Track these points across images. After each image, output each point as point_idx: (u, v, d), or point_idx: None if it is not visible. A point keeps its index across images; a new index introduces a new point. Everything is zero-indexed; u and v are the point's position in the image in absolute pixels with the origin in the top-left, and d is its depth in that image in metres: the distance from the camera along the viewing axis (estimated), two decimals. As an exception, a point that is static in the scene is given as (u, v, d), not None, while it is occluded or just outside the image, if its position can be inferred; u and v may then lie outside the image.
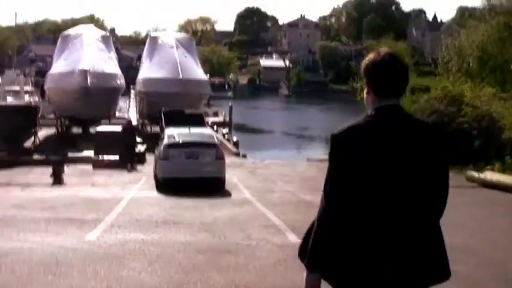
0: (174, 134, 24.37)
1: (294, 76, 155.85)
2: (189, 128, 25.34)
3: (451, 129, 31.28)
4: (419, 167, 4.08)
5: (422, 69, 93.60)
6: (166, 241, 12.55)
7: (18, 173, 29.43)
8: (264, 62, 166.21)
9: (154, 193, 22.14)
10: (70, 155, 36.26)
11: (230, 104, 60.17)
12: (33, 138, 41.60)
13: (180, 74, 45.84)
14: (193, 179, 22.90)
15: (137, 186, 24.24)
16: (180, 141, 23.76)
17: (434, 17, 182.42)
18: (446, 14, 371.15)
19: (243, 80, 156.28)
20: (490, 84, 35.96)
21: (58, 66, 49.06)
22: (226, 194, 22.34)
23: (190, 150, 23.33)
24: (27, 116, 40.16)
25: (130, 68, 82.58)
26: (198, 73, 51.26)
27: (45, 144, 42.07)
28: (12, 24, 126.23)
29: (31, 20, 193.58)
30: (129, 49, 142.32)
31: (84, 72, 43.09)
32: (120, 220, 15.22)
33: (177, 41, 53.37)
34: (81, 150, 37.56)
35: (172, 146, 23.53)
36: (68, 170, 28.60)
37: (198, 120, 36.91)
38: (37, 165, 30.77)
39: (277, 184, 26.19)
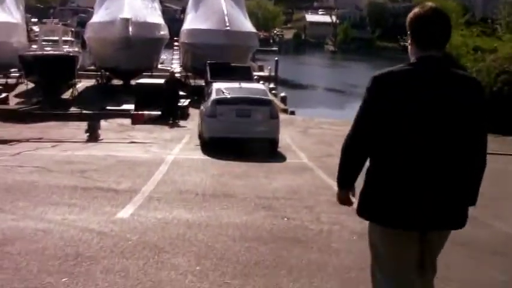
0: (223, 88, 21.72)
1: (340, 32, 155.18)
2: (240, 83, 22.73)
3: None
4: (452, 120, 4.36)
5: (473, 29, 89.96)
6: (218, 223, 9.96)
7: (53, 127, 27.23)
8: (310, 17, 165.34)
9: (199, 154, 19.59)
10: (109, 108, 33.89)
11: (276, 58, 57.96)
12: (71, 90, 39.48)
13: (227, 25, 43.23)
14: (244, 139, 20.38)
15: (180, 146, 21.70)
16: (230, 97, 21.11)
17: None
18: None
19: (288, 35, 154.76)
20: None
21: (99, 16, 46.69)
22: (280, 157, 19.82)
23: (241, 107, 20.66)
24: (64, 67, 37.96)
25: (174, 21, 79.91)
26: (246, 25, 48.63)
27: (83, 96, 39.91)
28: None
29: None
30: (173, 2, 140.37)
31: (126, 21, 40.77)
32: (160, 191, 12.66)
33: (224, -10, 50.54)
34: (121, 104, 35.22)
35: (221, 101, 20.89)
36: (106, 124, 26.37)
37: (245, 74, 34.79)
38: (72, 119, 28.36)
39: (335, 147, 23.45)
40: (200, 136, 21.84)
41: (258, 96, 21.38)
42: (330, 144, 23.75)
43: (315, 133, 28.29)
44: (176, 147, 21.06)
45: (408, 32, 4.60)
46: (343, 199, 4.80)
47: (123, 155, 18.21)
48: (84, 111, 31.82)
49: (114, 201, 11.38)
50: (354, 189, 4.77)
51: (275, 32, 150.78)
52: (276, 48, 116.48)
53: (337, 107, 53.98)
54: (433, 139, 4.34)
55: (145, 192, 12.36)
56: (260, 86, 24.30)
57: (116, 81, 46.52)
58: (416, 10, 4.55)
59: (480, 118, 4.48)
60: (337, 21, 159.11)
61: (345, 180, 4.72)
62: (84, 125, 23.83)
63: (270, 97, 21.90)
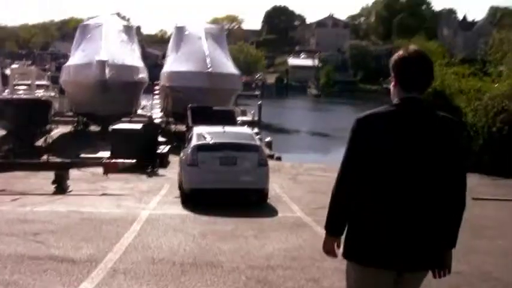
0: (205, 133, 19.26)
1: (323, 75, 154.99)
2: (223, 127, 20.43)
3: None
4: (433, 157, 4.49)
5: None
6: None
7: (20, 177, 24.70)
8: (292, 61, 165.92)
9: (178, 209, 17.09)
10: (83, 155, 31.48)
11: (259, 102, 56.12)
12: (45, 137, 37.25)
13: (209, 66, 41.21)
14: (230, 190, 18.03)
15: (157, 199, 19.17)
16: (213, 143, 18.62)
17: (464, 17, 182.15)
18: (476, 14, 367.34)
19: (271, 79, 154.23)
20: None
21: (75, 58, 44.99)
22: (271, 210, 17.41)
23: (226, 153, 18.18)
24: (37, 112, 35.79)
25: (155, 66, 78.23)
26: (229, 67, 46.87)
27: (58, 143, 37.59)
28: (38, 21, 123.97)
29: (57, 18, 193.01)
30: (155, 48, 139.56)
31: (102, 64, 38.90)
32: (127, 260, 10.20)
33: (206, 31, 48.63)
34: (97, 151, 32.87)
35: (203, 148, 18.39)
36: (79, 174, 24.01)
37: (229, 118, 32.73)
38: (38, 168, 25.91)
39: (329, 196, 21.22)
40: (180, 187, 19.43)
41: (244, 142, 18.96)
42: (324, 193, 21.26)
43: (306, 180, 26.02)
44: (153, 201, 18.61)
45: (392, 74, 4.73)
46: (329, 248, 4.81)
47: (89, 211, 15.75)
48: (52, 160, 29.40)
49: (66, 277, 8.94)
50: (340, 240, 4.77)
51: (257, 76, 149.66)
52: (259, 93, 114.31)
53: (324, 151, 52.32)
54: (412, 178, 4.46)
55: (108, 263, 9.92)
56: (246, 130, 21.90)
57: (95, 127, 44.09)
58: (400, 52, 4.71)
59: (459, 159, 4.59)
60: (320, 64, 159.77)
61: (334, 225, 4.76)
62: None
63: (258, 142, 19.47)
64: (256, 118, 54.06)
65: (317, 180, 25.84)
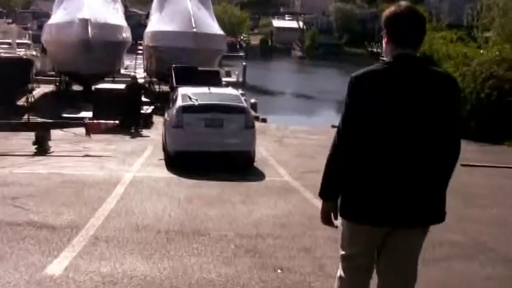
0: (190, 93, 18.67)
1: (307, 38, 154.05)
2: (209, 88, 19.86)
3: None
4: (429, 114, 4.47)
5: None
6: (187, 281, 7.18)
7: (0, 137, 24.06)
8: (277, 22, 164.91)
9: (163, 172, 16.59)
10: (65, 115, 30.83)
11: (244, 63, 55.48)
12: (27, 96, 36.43)
13: (194, 26, 40.46)
14: (215, 153, 17.57)
15: (141, 160, 18.64)
16: (199, 104, 18.02)
17: None
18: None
19: (255, 41, 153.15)
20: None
21: (57, 17, 43.78)
22: (258, 174, 16.97)
23: (212, 115, 17.62)
24: (18, 71, 35.02)
25: (138, 26, 77.09)
26: (214, 27, 46.04)
27: (40, 103, 36.84)
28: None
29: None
30: (138, 8, 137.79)
31: (85, 22, 37.92)
32: (110, 227, 9.70)
33: (190, -10, 47.71)
34: (80, 111, 32.24)
35: (188, 109, 17.80)
36: (61, 134, 23.45)
37: (214, 79, 32.16)
38: (19, 129, 25.25)
39: (317, 160, 20.72)
40: (164, 149, 18.91)
41: (231, 103, 18.37)
42: (312, 157, 21.10)
43: (292, 143, 25.56)
44: (136, 162, 18.07)
45: (384, 31, 4.68)
46: (327, 215, 4.72)
47: (71, 173, 15.22)
48: (33, 120, 28.75)
49: (46, 245, 8.45)
50: (336, 209, 4.70)
51: (242, 37, 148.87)
52: (243, 54, 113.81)
53: (309, 114, 52.21)
54: (407, 135, 4.44)
55: (90, 229, 9.42)
56: (233, 91, 21.19)
57: (77, 87, 43.32)
58: (392, 9, 4.63)
59: (454, 114, 4.57)
60: (304, 26, 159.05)
61: (330, 189, 4.68)
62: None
63: (244, 104, 18.88)
64: (240, 79, 53.57)
65: (303, 143, 25.48)
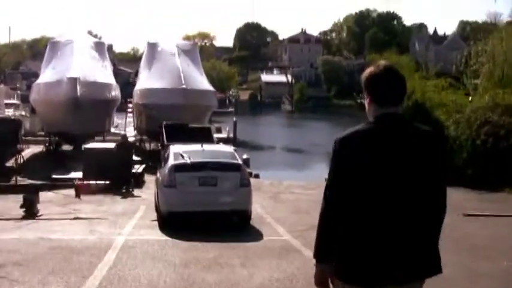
0: (182, 151, 18.04)
1: (296, 91, 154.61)
2: (202, 145, 19.30)
3: (510, 143, 27.06)
4: (414, 170, 4.47)
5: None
6: None
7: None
8: (265, 77, 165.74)
9: (156, 234, 15.92)
10: (55, 176, 30.12)
11: (234, 119, 55.12)
12: (15, 157, 35.71)
13: (183, 83, 40.06)
14: (210, 213, 16.93)
15: (133, 222, 17.95)
16: (191, 162, 17.36)
17: (435, 31, 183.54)
18: (446, 28, 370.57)
19: (244, 96, 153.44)
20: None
21: (45, 76, 43.15)
22: (255, 233, 16.30)
23: (206, 173, 16.98)
24: (7, 132, 34.40)
25: (127, 84, 76.87)
26: (203, 83, 45.65)
27: (30, 164, 36.11)
28: (9, 41, 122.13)
29: (28, 37, 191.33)
30: (127, 66, 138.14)
31: (74, 81, 37.36)
32: None
33: (178, 48, 47.43)
34: (70, 171, 31.54)
35: (181, 168, 17.13)
36: (52, 195, 22.79)
37: (205, 136, 31.56)
38: (7, 191, 24.51)
39: (315, 216, 20.04)
40: (157, 210, 18.25)
41: (225, 160, 17.72)
42: (308, 213, 20.45)
43: (288, 199, 24.93)
44: (128, 225, 17.39)
45: (365, 92, 4.72)
46: (322, 278, 4.60)
47: (60, 238, 14.53)
48: (21, 182, 28.07)
49: (32, 322, 7.82)
50: (332, 271, 4.55)
51: (231, 93, 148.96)
52: (232, 110, 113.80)
53: (301, 168, 51.64)
54: (394, 194, 4.43)
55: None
56: (226, 147, 20.51)
57: (67, 147, 42.65)
58: (370, 69, 4.70)
59: (438, 169, 4.59)
60: (293, 80, 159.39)
61: (324, 250, 4.59)
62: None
63: (239, 160, 18.23)
64: (231, 135, 52.99)
65: (299, 199, 24.87)
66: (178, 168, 17.05)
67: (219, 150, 19.54)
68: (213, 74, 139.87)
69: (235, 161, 17.82)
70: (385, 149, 4.47)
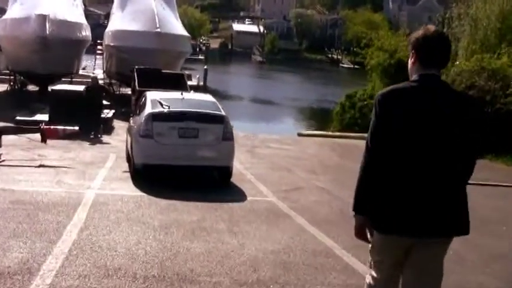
0: (161, 99, 16.46)
1: (267, 42, 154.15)
2: (181, 92, 17.79)
3: (495, 109, 26.36)
4: (452, 132, 4.69)
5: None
6: None
7: None
8: (237, 26, 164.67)
9: (130, 188, 14.40)
10: (19, 118, 28.40)
11: (205, 67, 53.57)
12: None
13: (158, 26, 38.40)
14: (189, 167, 15.55)
15: (103, 173, 16.40)
16: (171, 111, 15.82)
17: None
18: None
19: (215, 44, 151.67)
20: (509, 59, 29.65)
21: (13, 11, 41.16)
22: (237, 192, 14.91)
23: (186, 124, 15.44)
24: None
25: (97, 26, 74.78)
26: (178, 27, 44.03)
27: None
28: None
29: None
30: (97, 8, 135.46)
31: (43, 18, 35.83)
32: (72, 272, 7.57)
33: (154, -11, 45.59)
34: (35, 113, 29.91)
35: (159, 117, 15.55)
36: (14, 139, 21.33)
37: (179, 83, 30.36)
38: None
39: (297, 174, 18.95)
40: (130, 160, 16.80)
41: (208, 111, 16.11)
42: (289, 170, 19.32)
43: (265, 154, 23.57)
44: (98, 175, 15.86)
45: (411, 51, 4.93)
46: (361, 230, 4.85)
47: (23, 190, 13.00)
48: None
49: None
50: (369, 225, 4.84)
51: (201, 40, 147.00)
52: (203, 57, 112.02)
53: (273, 121, 50.97)
54: (432, 150, 4.63)
55: (47, 276, 7.31)
56: (208, 97, 18.88)
57: (33, 87, 40.92)
58: (422, 32, 4.88)
59: (476, 133, 4.79)
60: (265, 31, 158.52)
61: (364, 202, 4.78)
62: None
63: (223, 112, 16.67)
64: (201, 83, 51.53)
65: (276, 154, 23.66)
66: (156, 117, 15.49)
67: (200, 100, 17.94)
68: (185, 20, 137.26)
69: (218, 112, 16.29)
70: (426, 106, 4.66)
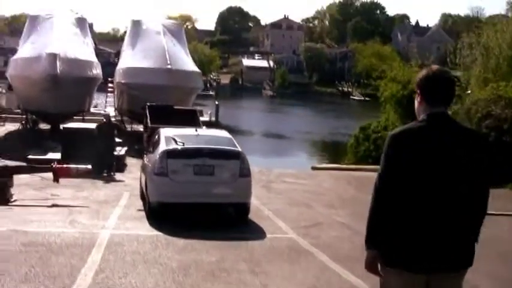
0: (175, 136, 16.11)
1: (278, 77, 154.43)
2: (196, 129, 17.45)
3: None
4: (463, 168, 4.79)
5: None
6: None
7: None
8: (247, 61, 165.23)
9: (145, 227, 14.00)
10: (31, 157, 28.04)
11: (216, 102, 53.40)
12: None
13: (169, 62, 38.22)
14: (205, 205, 15.16)
15: (118, 212, 16.01)
16: (186, 148, 15.47)
17: (417, 23, 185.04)
18: (429, 20, 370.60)
19: (225, 80, 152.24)
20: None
21: (23, 51, 41.04)
22: (256, 229, 14.50)
23: (202, 161, 15.05)
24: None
25: (108, 64, 74.68)
26: (189, 63, 43.83)
27: (4, 142, 34.21)
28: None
29: (7, 13, 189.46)
30: (107, 46, 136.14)
31: (53, 57, 35.47)
32: None
33: (164, 26, 45.54)
34: (47, 152, 29.59)
35: (174, 154, 15.18)
36: (27, 178, 20.91)
37: (191, 118, 30.00)
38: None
39: (315, 209, 18.56)
40: (144, 198, 16.41)
41: (223, 147, 15.78)
42: (307, 206, 18.92)
43: (281, 189, 23.14)
44: (113, 215, 15.46)
45: (417, 91, 5.10)
46: (373, 264, 4.90)
47: (36, 231, 12.59)
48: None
49: None
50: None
51: (212, 76, 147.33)
52: (213, 93, 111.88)
53: (286, 155, 50.63)
54: (444, 188, 4.73)
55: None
56: (223, 132, 18.49)
57: (45, 126, 40.63)
58: (425, 72, 5.07)
59: (484, 169, 4.88)
60: (275, 66, 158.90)
61: (375, 236, 4.85)
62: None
63: (239, 148, 16.27)
64: (213, 119, 51.24)
65: (293, 189, 23.24)
66: (170, 154, 15.11)
67: (215, 135, 17.57)
68: (194, 56, 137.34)
69: (234, 148, 15.89)
70: (435, 145, 4.78)
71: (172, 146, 15.47)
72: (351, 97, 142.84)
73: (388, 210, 4.79)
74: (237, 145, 16.19)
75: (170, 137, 16.00)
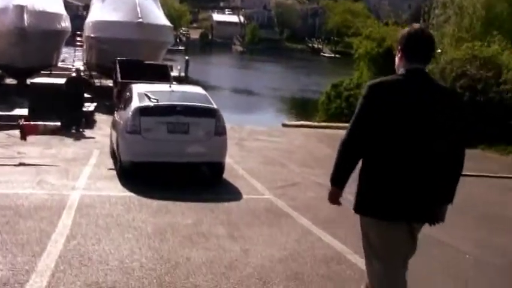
0: (148, 92, 15.49)
1: (248, 32, 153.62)
2: (170, 85, 16.85)
3: (487, 98, 25.88)
4: (436, 122, 4.95)
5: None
6: None
7: None
8: (217, 16, 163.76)
9: (117, 188, 13.47)
10: (-2, 113, 27.27)
11: (186, 57, 52.61)
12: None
13: (140, 16, 37.41)
14: (179, 164, 14.65)
15: (88, 171, 15.43)
16: (160, 105, 14.85)
17: None
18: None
19: (195, 35, 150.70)
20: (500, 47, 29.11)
21: (-10, 4, 39.77)
22: (232, 190, 14.08)
23: (176, 119, 14.50)
24: None
25: (76, 17, 73.38)
26: (161, 17, 43.12)
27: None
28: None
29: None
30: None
31: (20, 9, 34.58)
32: None
33: (135, -21, 44.52)
34: (13, 108, 28.83)
35: (147, 111, 14.55)
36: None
37: (162, 74, 29.45)
38: None
39: (290, 168, 18.16)
40: (114, 156, 15.88)
41: (199, 104, 15.22)
42: (282, 165, 18.54)
43: (254, 147, 22.71)
44: (82, 174, 14.89)
45: (398, 47, 5.28)
46: (335, 197, 5.26)
47: (3, 193, 11.99)
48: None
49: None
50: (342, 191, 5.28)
51: (181, 31, 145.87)
52: (183, 48, 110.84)
53: (257, 111, 50.54)
54: (419, 140, 4.92)
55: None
56: (199, 89, 17.82)
57: (11, 80, 39.64)
58: (407, 29, 5.29)
59: (458, 123, 5.09)
60: (245, 21, 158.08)
61: (340, 179, 5.19)
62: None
63: (215, 105, 15.68)
64: (183, 74, 50.48)
65: (266, 147, 22.85)
66: (144, 111, 14.52)
67: (190, 92, 16.94)
68: (164, 10, 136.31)
69: (210, 105, 15.36)
70: (412, 100, 4.95)
71: (146, 102, 14.89)
72: (321, 54, 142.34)
73: (354, 158, 5.07)
74: (213, 102, 15.64)
75: (143, 93, 15.41)
